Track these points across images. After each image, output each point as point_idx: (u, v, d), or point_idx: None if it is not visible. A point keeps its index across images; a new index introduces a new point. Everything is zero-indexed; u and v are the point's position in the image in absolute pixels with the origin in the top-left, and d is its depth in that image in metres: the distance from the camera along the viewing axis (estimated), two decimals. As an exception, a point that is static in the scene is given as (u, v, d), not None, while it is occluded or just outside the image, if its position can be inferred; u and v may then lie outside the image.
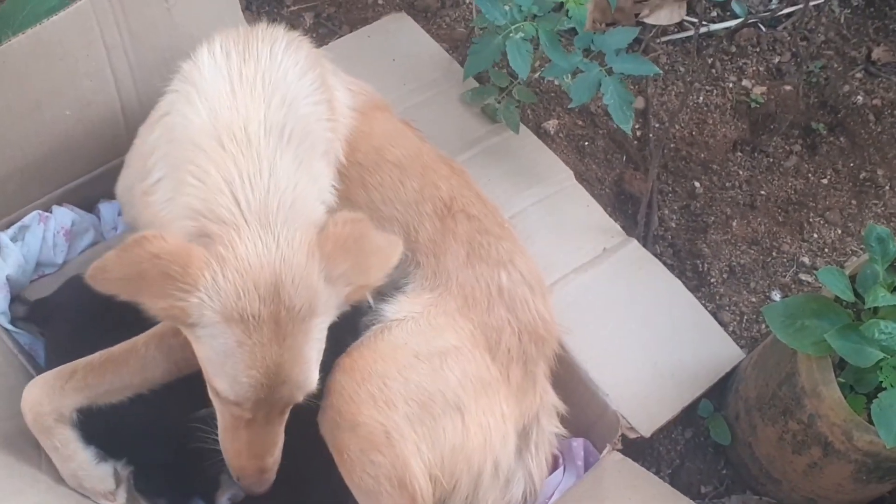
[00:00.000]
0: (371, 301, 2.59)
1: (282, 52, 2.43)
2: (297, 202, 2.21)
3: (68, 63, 2.83)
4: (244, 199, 2.16)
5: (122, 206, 2.89)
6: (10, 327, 2.83)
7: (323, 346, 2.22)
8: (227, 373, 2.12)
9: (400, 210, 2.72)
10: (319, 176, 2.43)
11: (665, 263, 3.43)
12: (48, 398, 2.47)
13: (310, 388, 2.21)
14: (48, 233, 2.96)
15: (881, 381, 2.53)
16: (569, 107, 3.57)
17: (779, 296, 3.48)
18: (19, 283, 2.93)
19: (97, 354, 2.50)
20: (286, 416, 2.28)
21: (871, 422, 2.50)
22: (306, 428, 2.48)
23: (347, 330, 2.63)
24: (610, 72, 3.13)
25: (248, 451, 2.28)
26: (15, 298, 2.89)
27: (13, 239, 2.92)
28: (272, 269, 2.08)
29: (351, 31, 3.77)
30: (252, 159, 2.21)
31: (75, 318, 2.69)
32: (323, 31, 3.98)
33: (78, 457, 2.53)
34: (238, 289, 2.06)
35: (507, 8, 3.19)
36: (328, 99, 2.57)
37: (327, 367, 2.49)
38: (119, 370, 2.49)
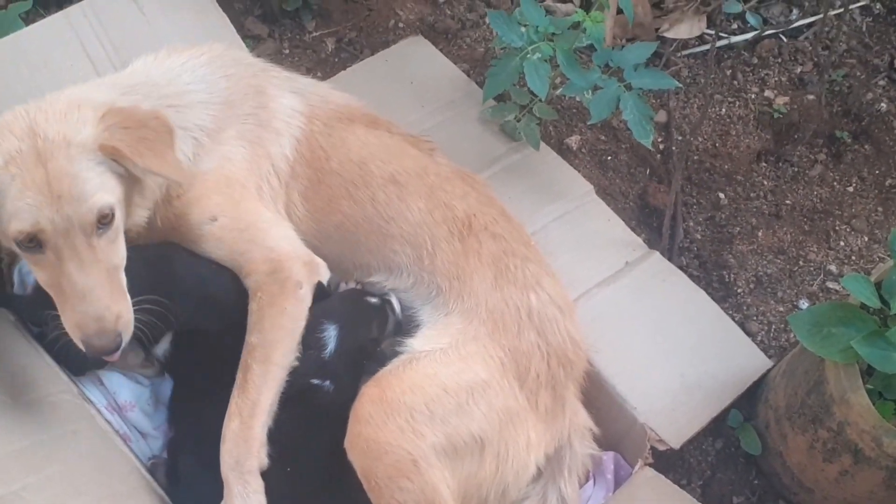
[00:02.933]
0: None
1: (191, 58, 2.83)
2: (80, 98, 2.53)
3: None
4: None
5: None
6: None
7: (107, 173, 2.41)
8: (13, 209, 2.33)
9: (407, 231, 2.80)
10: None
11: (691, 275, 3.44)
12: (247, 446, 2.55)
13: (93, 203, 2.36)
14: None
15: (909, 387, 2.53)
16: (589, 123, 3.58)
17: (806, 304, 3.47)
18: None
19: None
20: (99, 252, 2.38)
21: (900, 428, 2.49)
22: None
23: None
24: (629, 87, 3.14)
25: (74, 298, 2.36)
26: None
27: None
28: (21, 114, 2.42)
29: (372, 55, 3.82)
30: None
31: None
32: (345, 55, 4.03)
33: None
34: None
35: (523, 29, 3.21)
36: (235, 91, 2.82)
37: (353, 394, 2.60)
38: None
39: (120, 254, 2.47)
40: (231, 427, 2.55)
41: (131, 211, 2.58)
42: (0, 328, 2.74)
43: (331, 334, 2.69)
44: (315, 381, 2.66)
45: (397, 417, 2.49)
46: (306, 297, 2.68)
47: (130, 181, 2.51)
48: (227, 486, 2.53)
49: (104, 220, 2.39)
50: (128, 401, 2.82)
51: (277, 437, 2.59)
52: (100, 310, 2.36)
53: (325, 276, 2.75)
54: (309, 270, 2.71)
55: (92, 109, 2.47)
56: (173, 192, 2.69)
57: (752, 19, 3.15)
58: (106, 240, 2.41)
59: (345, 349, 2.70)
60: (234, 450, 2.53)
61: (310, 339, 2.69)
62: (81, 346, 2.38)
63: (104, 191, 2.39)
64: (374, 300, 2.81)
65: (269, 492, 2.54)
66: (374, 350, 2.77)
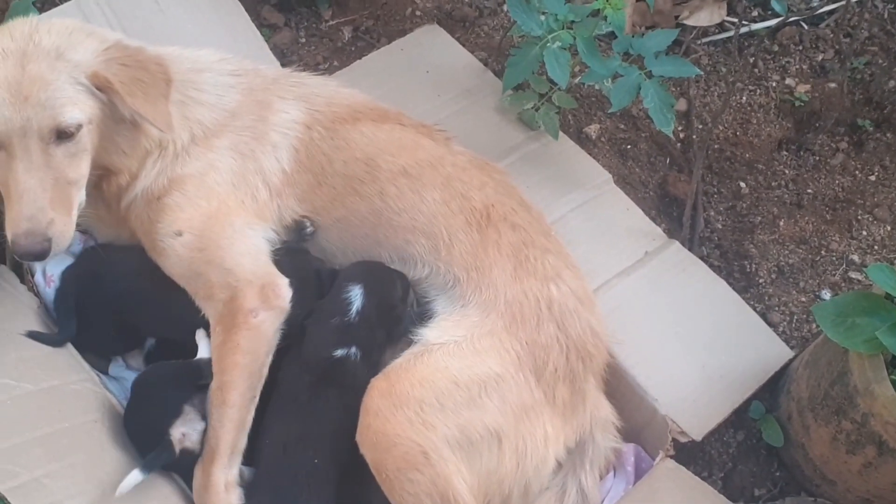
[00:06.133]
0: None
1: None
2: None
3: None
4: None
5: None
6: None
7: (85, 94, 2.45)
8: None
9: (421, 221, 2.78)
10: None
11: (712, 265, 3.42)
12: (208, 493, 2.56)
13: (56, 114, 2.40)
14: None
15: (935, 378, 2.50)
16: (609, 111, 3.55)
17: (829, 295, 3.44)
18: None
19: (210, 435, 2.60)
20: (53, 160, 2.42)
21: (925, 420, 2.46)
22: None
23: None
24: (649, 75, 3.11)
25: (14, 196, 2.40)
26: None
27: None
28: (30, 22, 2.49)
29: (389, 44, 3.79)
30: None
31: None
32: (361, 44, 4.01)
33: None
34: None
35: (542, 17, 3.18)
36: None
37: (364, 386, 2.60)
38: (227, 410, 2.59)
39: (78, 171, 2.50)
40: (196, 476, 2.58)
41: (111, 151, 2.62)
42: (23, 316, 2.76)
43: (356, 293, 2.70)
44: (339, 353, 2.66)
45: (406, 410, 2.49)
46: (264, 324, 2.62)
47: (114, 117, 2.55)
48: None
49: (64, 134, 2.42)
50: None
51: (308, 426, 2.61)
52: (33, 210, 2.39)
53: (286, 295, 2.67)
54: (265, 295, 2.64)
55: (99, 41, 2.54)
56: (157, 191, 2.69)
57: (777, 6, 3.11)
58: (64, 152, 2.44)
59: (373, 307, 2.70)
60: (200, 498, 2.56)
61: (334, 305, 2.70)
62: (11, 246, 2.42)
63: (74, 106, 2.43)
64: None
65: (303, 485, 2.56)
66: (404, 312, 2.76)
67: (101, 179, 2.68)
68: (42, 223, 2.39)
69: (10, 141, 2.37)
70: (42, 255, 2.42)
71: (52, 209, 2.41)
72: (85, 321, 2.78)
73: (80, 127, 2.44)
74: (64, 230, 2.44)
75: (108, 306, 2.79)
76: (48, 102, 2.38)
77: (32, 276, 2.85)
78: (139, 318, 2.83)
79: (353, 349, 2.66)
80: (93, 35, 2.56)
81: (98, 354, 2.87)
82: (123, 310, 2.80)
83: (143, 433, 2.59)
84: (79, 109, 2.44)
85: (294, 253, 2.80)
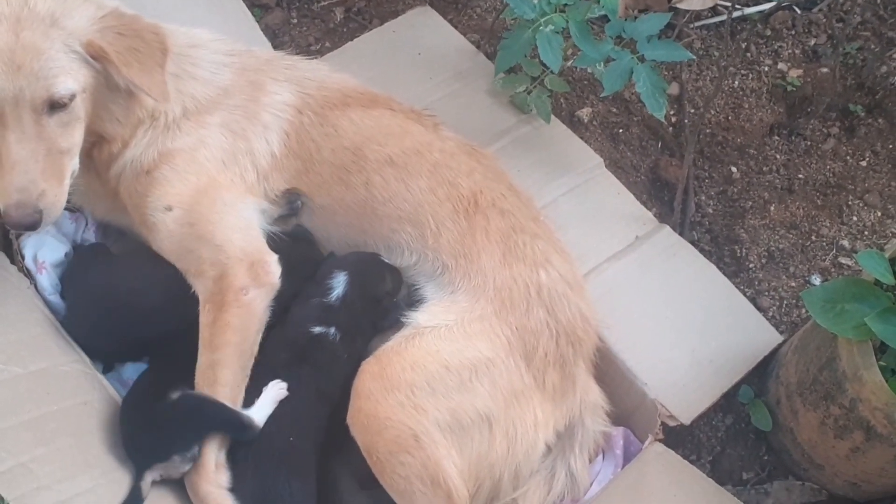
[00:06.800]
0: None
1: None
2: None
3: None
4: None
5: None
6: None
7: (79, 62, 2.43)
8: None
9: (407, 210, 2.77)
10: None
11: (702, 250, 3.42)
12: (198, 473, 2.56)
13: (49, 84, 2.38)
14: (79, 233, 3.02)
15: (923, 365, 2.51)
16: (601, 95, 3.54)
17: (818, 280, 3.45)
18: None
19: None
20: (45, 131, 2.41)
21: (913, 405, 2.47)
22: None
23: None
24: (642, 59, 3.10)
25: (6, 166, 2.39)
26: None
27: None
28: None
29: (381, 25, 3.78)
30: None
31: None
32: (353, 25, 3.99)
33: None
34: None
35: (535, 0, 3.17)
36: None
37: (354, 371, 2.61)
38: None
39: (71, 140, 2.49)
40: None
41: (105, 118, 2.60)
42: (14, 297, 2.74)
43: (339, 280, 2.71)
44: (317, 330, 2.66)
45: (397, 393, 2.50)
46: (254, 301, 2.63)
47: (109, 85, 2.53)
48: None
49: (57, 104, 2.41)
50: (131, 378, 2.82)
51: (282, 404, 2.60)
52: (24, 181, 2.39)
53: (276, 272, 2.67)
54: (254, 272, 2.64)
55: (96, 7, 2.51)
56: (146, 163, 2.68)
57: (770, -10, 3.12)
58: (57, 121, 2.43)
59: (356, 296, 2.70)
60: (189, 477, 2.56)
61: (316, 288, 2.72)
62: (3, 217, 2.42)
63: (67, 76, 2.41)
64: (387, 260, 2.81)
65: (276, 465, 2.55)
66: (391, 304, 2.76)
67: (93, 147, 2.67)
68: (33, 194, 2.39)
69: (3, 111, 2.36)
70: (33, 226, 2.43)
71: (44, 180, 2.41)
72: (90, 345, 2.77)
73: (73, 97, 2.43)
74: (55, 200, 2.45)
75: (114, 331, 2.78)
76: (41, 72, 2.36)
77: (23, 259, 2.83)
78: (145, 330, 2.79)
79: (333, 329, 2.67)
80: (89, 0, 2.52)
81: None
82: (129, 328, 2.77)
83: (133, 449, 2.56)
84: (72, 79, 2.42)
85: (297, 241, 2.81)
